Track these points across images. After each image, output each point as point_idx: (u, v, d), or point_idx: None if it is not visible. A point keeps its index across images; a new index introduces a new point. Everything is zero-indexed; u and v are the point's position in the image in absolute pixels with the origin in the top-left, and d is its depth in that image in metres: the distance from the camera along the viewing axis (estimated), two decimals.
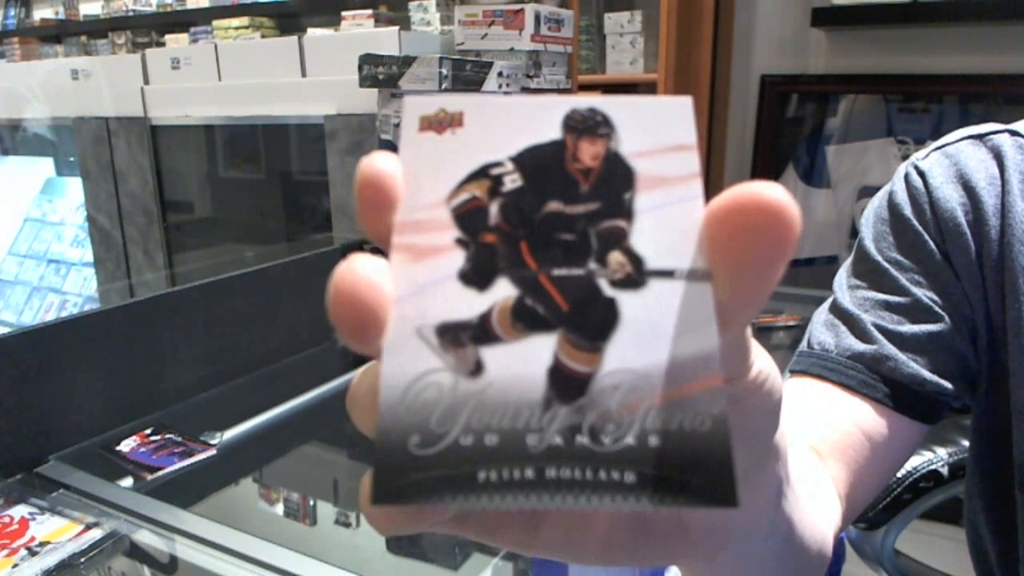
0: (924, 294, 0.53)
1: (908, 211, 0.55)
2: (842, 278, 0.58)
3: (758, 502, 0.26)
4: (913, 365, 0.52)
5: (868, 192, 1.89)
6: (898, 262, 0.54)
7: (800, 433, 0.50)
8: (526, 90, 1.31)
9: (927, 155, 0.57)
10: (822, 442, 0.50)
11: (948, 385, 0.52)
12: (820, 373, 0.53)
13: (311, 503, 0.82)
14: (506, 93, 1.25)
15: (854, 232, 1.92)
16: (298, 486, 0.85)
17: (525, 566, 0.69)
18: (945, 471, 0.88)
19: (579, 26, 2.01)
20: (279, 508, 0.83)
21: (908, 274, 0.54)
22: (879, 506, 0.90)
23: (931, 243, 0.53)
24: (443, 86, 1.09)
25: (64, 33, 3.66)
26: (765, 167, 2.09)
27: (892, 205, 0.56)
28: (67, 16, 3.61)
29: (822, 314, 0.58)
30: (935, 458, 0.88)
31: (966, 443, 0.89)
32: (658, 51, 2.02)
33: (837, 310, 0.56)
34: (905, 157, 1.89)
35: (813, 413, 0.52)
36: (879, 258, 0.55)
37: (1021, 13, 1.60)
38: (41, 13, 3.74)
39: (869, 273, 0.56)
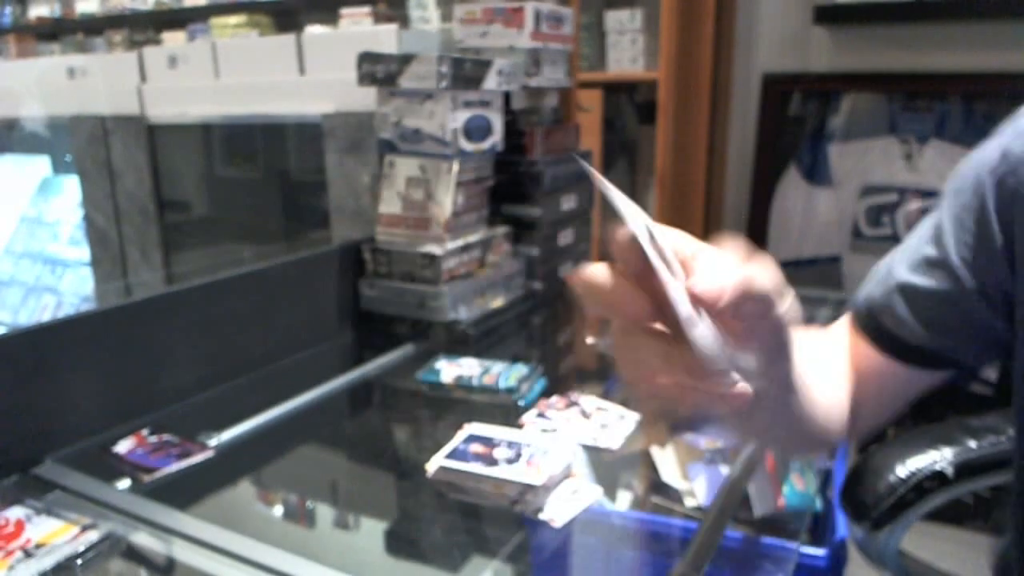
0: (960, 254, 0.55)
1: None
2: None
3: (777, 373, 0.40)
4: (910, 320, 0.57)
5: (871, 191, 1.89)
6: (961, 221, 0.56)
7: (821, 339, 0.62)
8: (525, 88, 1.31)
9: None
10: (839, 357, 0.60)
11: (949, 343, 0.57)
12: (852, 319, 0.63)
13: (309, 505, 0.81)
14: (505, 92, 1.24)
15: (857, 231, 1.92)
16: (296, 488, 0.85)
17: (525, 567, 0.69)
18: (950, 471, 0.87)
19: (579, 24, 2.01)
20: (277, 510, 0.82)
21: (962, 233, 0.56)
22: (883, 506, 0.89)
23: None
24: (441, 84, 1.09)
25: (60, 31, 3.65)
26: (767, 166, 2.08)
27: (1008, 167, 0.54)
28: (63, 14, 3.60)
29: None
30: (940, 459, 0.88)
31: (972, 444, 0.88)
32: (659, 49, 2.02)
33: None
34: (908, 156, 1.89)
35: (834, 334, 0.63)
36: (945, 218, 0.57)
37: None
38: (37, 11, 3.72)
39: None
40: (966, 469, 0.87)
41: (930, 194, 1.77)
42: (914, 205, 1.80)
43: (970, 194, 0.55)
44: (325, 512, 0.82)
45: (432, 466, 0.73)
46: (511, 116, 1.30)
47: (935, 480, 0.87)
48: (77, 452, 0.81)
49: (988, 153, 0.56)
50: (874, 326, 0.59)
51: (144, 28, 3.33)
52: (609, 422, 0.84)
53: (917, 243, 0.59)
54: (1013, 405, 0.57)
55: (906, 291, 0.57)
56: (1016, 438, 0.56)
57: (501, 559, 0.68)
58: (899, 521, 0.90)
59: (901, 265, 0.59)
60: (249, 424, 0.87)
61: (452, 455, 0.73)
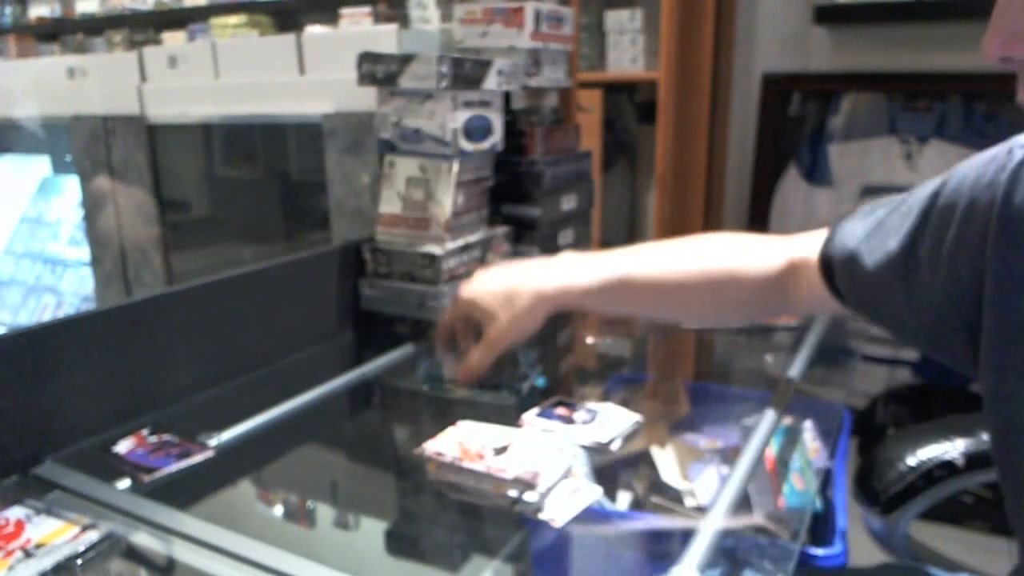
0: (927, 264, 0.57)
1: None
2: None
3: None
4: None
5: (871, 191, 1.89)
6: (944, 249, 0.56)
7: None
8: (525, 88, 1.31)
9: None
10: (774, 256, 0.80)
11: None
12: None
13: (310, 505, 0.81)
14: (505, 92, 1.24)
15: None
16: (297, 488, 0.85)
17: (525, 567, 0.69)
18: (961, 461, 0.89)
19: (580, 24, 2.01)
20: (277, 510, 0.82)
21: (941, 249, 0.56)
22: (892, 492, 0.91)
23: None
24: (442, 84, 1.09)
25: (60, 31, 3.65)
26: (767, 166, 2.08)
27: (1007, 205, 0.50)
28: (63, 14, 3.60)
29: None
30: (951, 449, 0.90)
31: (984, 437, 0.90)
32: (659, 49, 2.02)
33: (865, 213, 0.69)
34: (908, 156, 1.89)
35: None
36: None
37: None
38: (37, 11, 3.72)
39: (921, 215, 0.60)
40: (976, 460, 0.89)
41: None
42: None
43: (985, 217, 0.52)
44: (325, 512, 0.82)
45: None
46: (511, 116, 1.30)
47: (944, 469, 0.90)
48: (77, 452, 0.80)
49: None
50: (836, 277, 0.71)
51: (144, 28, 3.33)
52: (609, 422, 0.84)
53: (900, 221, 0.62)
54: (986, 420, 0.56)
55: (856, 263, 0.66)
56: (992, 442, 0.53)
57: (501, 559, 0.68)
58: (908, 507, 0.92)
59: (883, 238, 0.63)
60: (249, 424, 0.87)
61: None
